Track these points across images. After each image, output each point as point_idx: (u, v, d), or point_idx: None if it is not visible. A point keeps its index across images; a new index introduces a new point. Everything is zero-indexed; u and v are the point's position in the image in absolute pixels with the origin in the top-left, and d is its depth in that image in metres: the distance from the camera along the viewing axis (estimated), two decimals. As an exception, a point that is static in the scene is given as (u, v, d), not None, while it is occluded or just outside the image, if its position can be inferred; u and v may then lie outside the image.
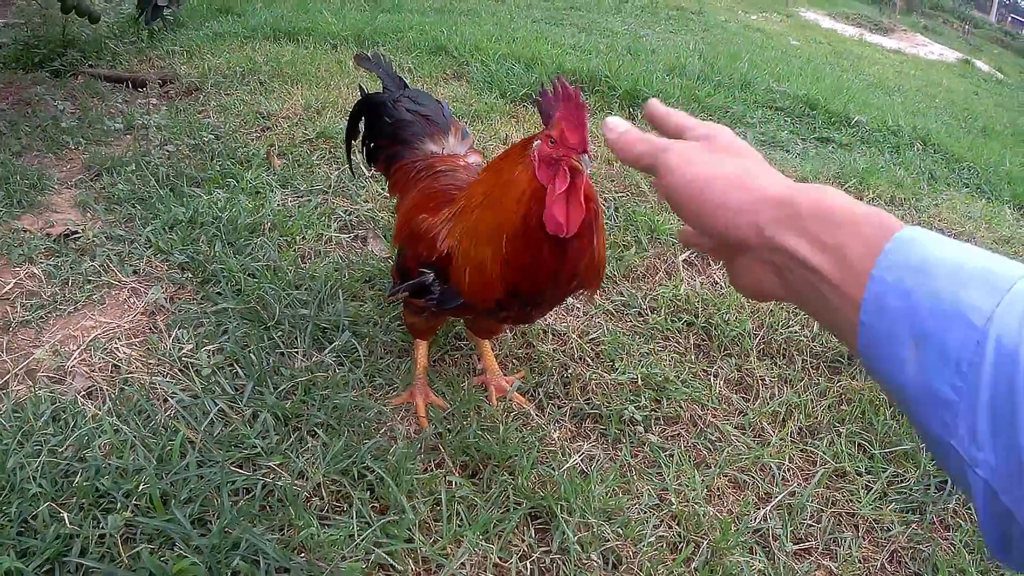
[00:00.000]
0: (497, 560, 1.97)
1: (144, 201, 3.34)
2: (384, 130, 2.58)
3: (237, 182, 3.55)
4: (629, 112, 5.19)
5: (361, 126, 2.69)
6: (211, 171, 3.64)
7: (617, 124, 0.98)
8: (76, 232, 3.06)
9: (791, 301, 0.82)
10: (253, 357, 2.43)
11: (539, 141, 1.77)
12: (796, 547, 2.16)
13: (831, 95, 6.55)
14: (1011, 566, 0.63)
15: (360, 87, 2.82)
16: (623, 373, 2.64)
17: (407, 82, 2.76)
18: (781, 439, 2.49)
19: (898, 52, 14.13)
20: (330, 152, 3.98)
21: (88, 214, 3.26)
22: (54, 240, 2.99)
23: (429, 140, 2.51)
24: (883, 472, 2.42)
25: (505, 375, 2.60)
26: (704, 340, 2.90)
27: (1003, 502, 0.58)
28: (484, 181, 2.02)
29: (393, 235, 2.43)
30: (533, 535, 2.06)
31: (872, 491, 2.34)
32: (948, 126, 7.40)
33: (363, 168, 2.98)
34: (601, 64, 5.79)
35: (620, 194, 3.78)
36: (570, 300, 2.96)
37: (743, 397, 2.67)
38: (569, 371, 2.64)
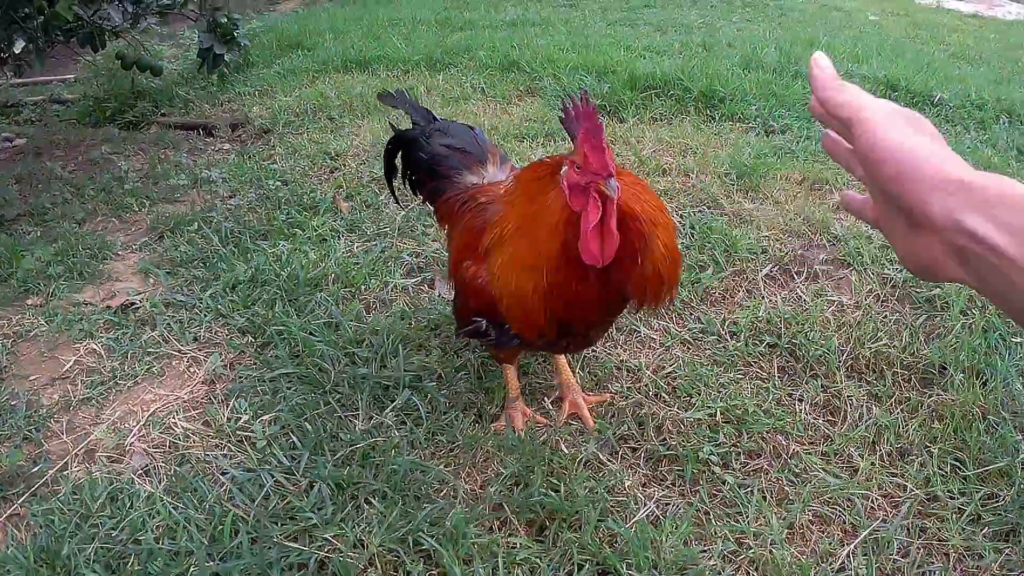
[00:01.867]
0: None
1: (206, 261, 3.34)
2: (422, 165, 2.56)
3: (303, 231, 3.52)
4: (706, 114, 5.01)
5: (398, 162, 2.69)
6: (277, 221, 3.62)
7: (825, 63, 0.93)
8: (135, 303, 3.05)
9: (971, 284, 0.81)
10: (308, 426, 2.38)
11: (566, 167, 1.72)
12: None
13: (912, 73, 6.25)
14: None
15: (391, 124, 2.81)
16: (700, 409, 2.50)
17: (435, 115, 2.72)
18: (870, 464, 2.33)
19: (976, 16, 13.51)
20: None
21: (150, 280, 3.27)
22: (114, 312, 3.00)
23: (467, 172, 2.46)
24: (976, 493, 2.24)
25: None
26: (789, 362, 2.74)
27: None
28: (516, 206, 1.96)
29: (448, 271, 2.38)
30: (598, 595, 1.96)
31: (964, 514, 2.17)
32: None
33: (411, 197, 2.92)
34: (674, 65, 5.62)
35: (695, 209, 3.64)
36: (644, 331, 2.85)
37: (829, 421, 2.51)
38: (643, 410, 2.52)
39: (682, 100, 5.15)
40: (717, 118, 4.91)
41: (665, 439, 2.41)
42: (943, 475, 2.30)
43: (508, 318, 1.97)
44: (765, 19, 9.03)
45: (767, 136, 4.68)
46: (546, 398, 2.60)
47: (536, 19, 8.17)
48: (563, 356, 2.58)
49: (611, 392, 2.60)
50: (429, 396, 2.53)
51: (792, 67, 6.03)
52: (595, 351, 2.77)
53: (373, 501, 2.15)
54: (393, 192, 2.85)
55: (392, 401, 2.51)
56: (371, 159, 4.29)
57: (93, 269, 3.32)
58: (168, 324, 2.91)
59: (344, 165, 4.26)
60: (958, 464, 2.34)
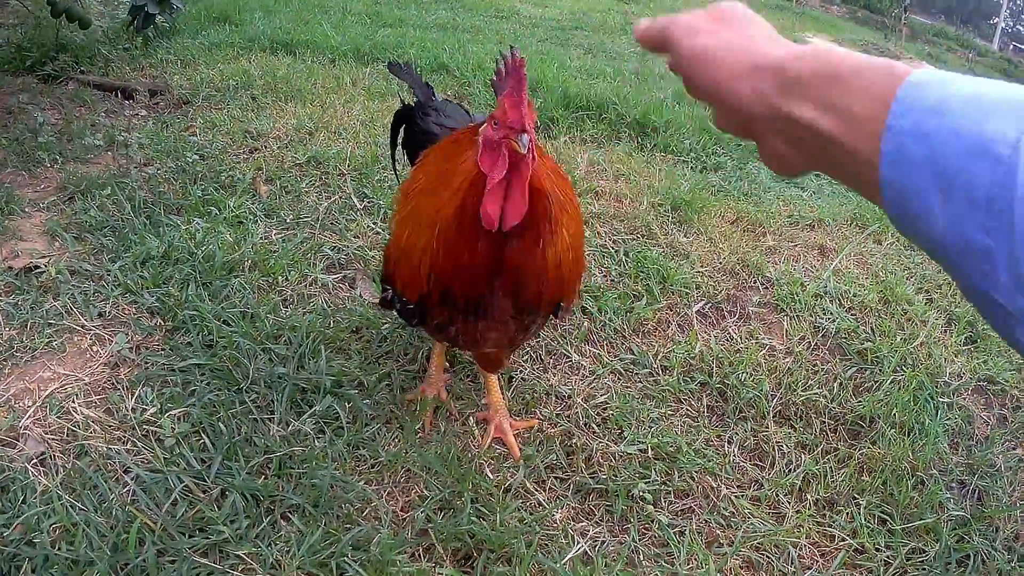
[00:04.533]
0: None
1: (117, 231, 3.08)
2: (414, 141, 2.52)
3: (219, 210, 3.31)
4: (639, 142, 4.96)
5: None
6: (192, 197, 3.38)
7: (639, 26, 0.91)
8: (39, 266, 2.79)
9: (814, 169, 0.77)
10: (223, 427, 2.18)
11: (485, 124, 1.62)
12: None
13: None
14: None
15: (400, 98, 2.71)
16: (632, 443, 2.43)
17: (435, 93, 2.67)
18: (798, 512, 2.30)
19: None
20: (320, 179, 3.74)
21: (56, 243, 2.99)
22: (15, 274, 2.73)
23: None
24: (903, 547, 2.25)
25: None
26: (718, 402, 2.71)
27: None
28: (429, 164, 1.89)
29: None
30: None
31: (891, 568, 2.19)
32: None
33: (399, 179, 2.83)
34: (608, 89, 5.56)
35: (629, 236, 3.56)
36: (576, 358, 2.77)
37: (758, 465, 2.48)
38: (574, 440, 2.42)
39: (615, 125, 5.09)
40: (650, 147, 4.87)
41: (595, 472, 2.33)
42: (870, 528, 2.30)
43: (396, 277, 1.90)
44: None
45: (701, 172, 4.65)
46: (471, 418, 2.47)
47: (467, 25, 8.07)
48: (494, 376, 2.48)
49: (539, 418, 2.50)
50: (350, 404, 2.37)
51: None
52: (524, 374, 2.67)
53: (292, 517, 1.98)
54: (394, 164, 2.79)
55: (311, 406, 2.34)
56: (294, 143, 4.10)
57: (-2, 224, 3.03)
58: (72, 295, 2.66)
59: (265, 147, 4.05)
60: (886, 517, 2.35)
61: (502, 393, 2.52)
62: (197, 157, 3.82)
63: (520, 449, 2.36)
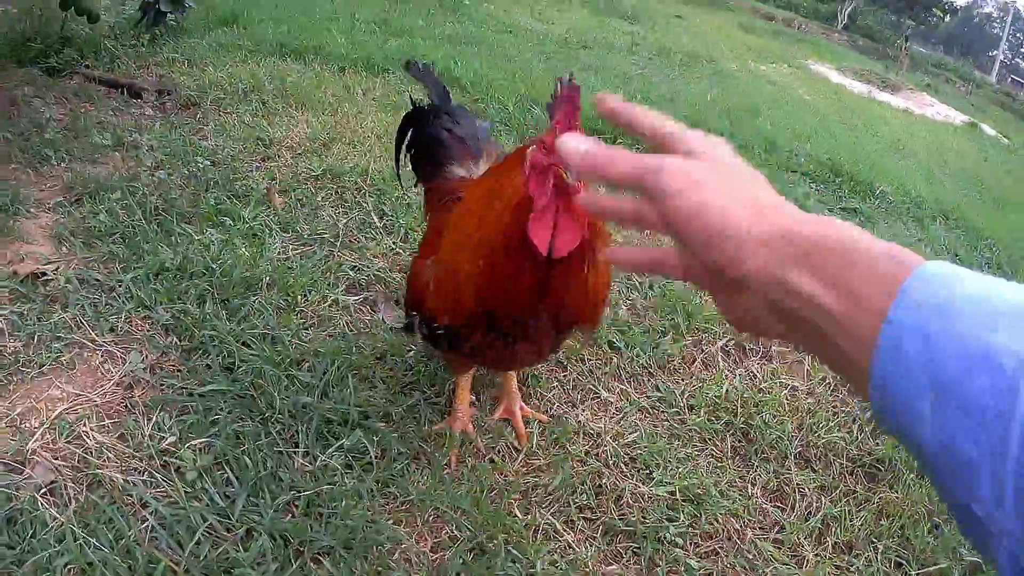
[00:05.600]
0: None
1: (127, 238, 2.93)
2: (422, 145, 2.50)
3: (233, 221, 3.17)
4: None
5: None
6: (205, 206, 3.25)
7: (575, 143, 0.84)
8: (46, 273, 2.64)
9: (792, 341, 0.75)
10: (248, 460, 2.05)
11: (534, 147, 1.57)
12: None
13: (853, 160, 6.38)
14: None
15: (411, 99, 2.64)
16: (660, 484, 2.38)
17: (451, 97, 2.64)
18: (817, 556, 2.29)
19: (907, 112, 14.09)
20: (337, 193, 3.62)
21: (64, 248, 2.83)
22: (21, 281, 2.57)
23: (458, 164, 2.38)
24: None
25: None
26: (741, 442, 2.67)
27: None
28: (476, 187, 1.86)
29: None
30: None
31: None
32: (965, 195, 7.33)
33: (401, 183, 2.83)
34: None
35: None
36: (605, 395, 2.69)
37: (779, 507, 2.46)
38: (603, 480, 2.36)
39: (630, 150, 4.98)
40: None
41: (624, 513, 2.27)
42: (887, 572, 2.31)
43: (428, 302, 1.87)
44: (701, 79, 9.10)
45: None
46: (495, 454, 2.39)
47: (472, 38, 8.01)
48: (513, 373, 2.51)
49: (570, 455, 2.42)
50: (378, 438, 2.25)
51: (740, 135, 6.01)
52: (553, 410, 2.59)
53: (323, 560, 1.86)
54: (398, 167, 2.66)
55: (337, 439, 2.21)
56: (308, 154, 3.98)
57: (2, 224, 2.84)
58: (82, 306, 2.51)
59: (279, 155, 3.93)
60: (902, 561, 2.36)
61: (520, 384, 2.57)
62: (209, 163, 3.69)
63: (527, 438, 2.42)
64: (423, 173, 2.50)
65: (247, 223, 3.19)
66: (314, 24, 6.93)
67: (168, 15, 5.41)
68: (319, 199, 3.54)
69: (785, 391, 2.93)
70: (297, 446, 2.17)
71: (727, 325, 3.10)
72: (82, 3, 4.69)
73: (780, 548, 2.28)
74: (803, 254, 0.66)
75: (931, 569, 2.32)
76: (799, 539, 2.32)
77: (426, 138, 2.46)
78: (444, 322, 1.85)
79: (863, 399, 0.63)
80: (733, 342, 3.14)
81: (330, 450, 2.17)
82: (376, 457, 2.19)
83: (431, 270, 1.90)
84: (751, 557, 2.23)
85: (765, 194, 0.75)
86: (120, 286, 2.66)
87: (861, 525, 2.41)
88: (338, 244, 3.20)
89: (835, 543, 2.34)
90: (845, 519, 2.42)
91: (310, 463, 2.13)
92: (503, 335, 1.82)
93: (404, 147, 2.58)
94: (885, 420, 0.61)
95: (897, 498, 2.54)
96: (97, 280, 2.67)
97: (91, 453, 2.03)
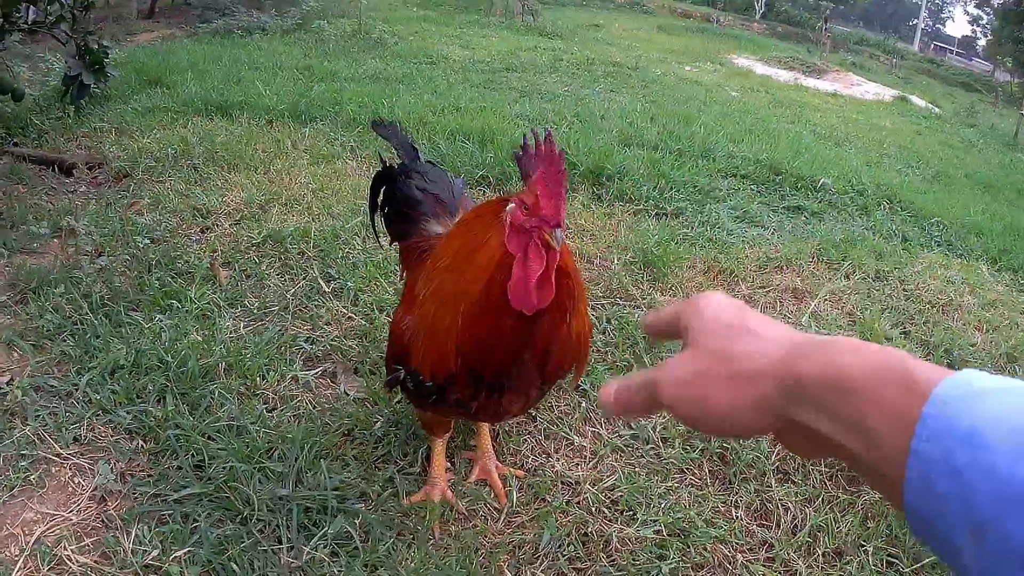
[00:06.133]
0: None
1: (77, 335, 2.87)
2: (395, 204, 2.50)
3: (180, 303, 3.13)
4: (594, 192, 4.90)
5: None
6: (151, 289, 3.20)
7: (609, 393, 0.84)
8: (1, 386, 2.59)
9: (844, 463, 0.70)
10: (235, 566, 2.01)
11: (513, 204, 1.62)
12: None
13: (791, 156, 6.44)
14: None
15: (380, 157, 2.66)
16: (645, 524, 2.39)
17: (419, 154, 2.65)
18: (809, 568, 2.30)
19: (835, 95, 14.26)
20: (280, 259, 3.60)
21: (15, 354, 2.78)
22: (-23, 396, 2.52)
23: (435, 221, 2.38)
24: None
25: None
26: (719, 466, 2.69)
27: None
28: (451, 240, 1.86)
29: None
30: None
31: None
32: (905, 176, 7.43)
33: (380, 242, 2.80)
34: (556, 138, 5.51)
35: (608, 300, 3.48)
36: (577, 440, 2.70)
37: (765, 526, 2.47)
38: (589, 528, 2.36)
39: (569, 176, 5.02)
40: (605, 197, 4.81)
41: (615, 559, 2.28)
42: (880, 572, 2.34)
43: (421, 358, 1.86)
44: (629, 89, 9.17)
45: (660, 219, 4.63)
46: (457, 456, 2.49)
47: (398, 75, 7.98)
48: (485, 424, 2.53)
49: (551, 507, 2.42)
50: (359, 520, 2.23)
51: (674, 145, 6.05)
52: (527, 461, 2.60)
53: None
54: (375, 229, 2.66)
55: (319, 527, 2.19)
56: (247, 219, 3.95)
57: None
58: (42, 417, 2.45)
59: (217, 224, 3.90)
60: (893, 560, 2.39)
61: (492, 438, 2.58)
62: (148, 241, 3.65)
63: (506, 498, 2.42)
64: (398, 231, 2.50)
65: (195, 304, 3.15)
66: (237, 77, 6.88)
67: (91, 87, 5.35)
68: (264, 268, 3.52)
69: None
70: (280, 541, 2.14)
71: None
72: (4, 81, 4.63)
73: (771, 566, 2.30)
74: (802, 395, 0.65)
75: (924, 562, 2.35)
76: (789, 554, 2.34)
77: (399, 197, 2.46)
78: (428, 380, 1.86)
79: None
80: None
81: (314, 540, 2.15)
82: (361, 541, 2.17)
83: (412, 326, 1.91)
84: (743, 581, 2.25)
85: (745, 343, 0.74)
86: (76, 390, 2.61)
87: (848, 531, 2.44)
88: (289, 315, 3.17)
89: (825, 552, 2.37)
90: (831, 527, 2.45)
91: (295, 558, 2.10)
92: (488, 387, 1.83)
93: (377, 207, 2.57)
94: (925, 543, 0.59)
95: (880, 499, 2.55)
96: (52, 386, 2.62)
97: (75, 577, 1.98)
